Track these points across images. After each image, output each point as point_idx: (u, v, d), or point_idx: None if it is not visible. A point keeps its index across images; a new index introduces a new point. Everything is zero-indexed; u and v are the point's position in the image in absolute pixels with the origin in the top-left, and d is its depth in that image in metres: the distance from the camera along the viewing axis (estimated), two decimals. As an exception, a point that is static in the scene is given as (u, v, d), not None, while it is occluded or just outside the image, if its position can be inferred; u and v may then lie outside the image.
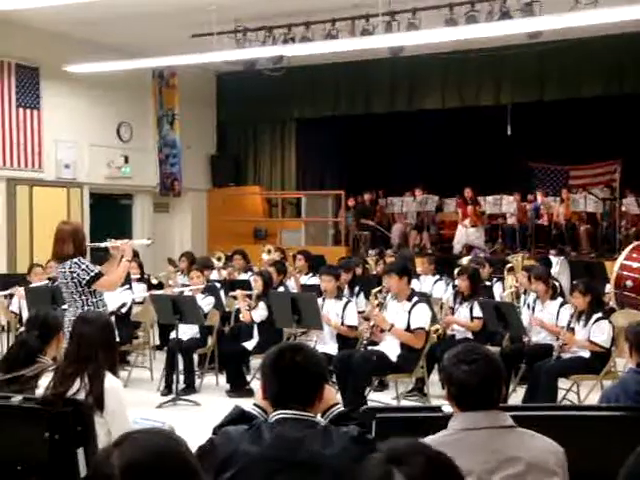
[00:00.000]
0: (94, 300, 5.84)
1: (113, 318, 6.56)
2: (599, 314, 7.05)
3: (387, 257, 12.68)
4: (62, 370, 3.85)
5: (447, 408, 2.85)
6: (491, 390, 2.65)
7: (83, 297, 5.80)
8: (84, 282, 5.76)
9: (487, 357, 2.70)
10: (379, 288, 7.79)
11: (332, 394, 3.03)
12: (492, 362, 2.70)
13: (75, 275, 5.76)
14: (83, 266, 5.79)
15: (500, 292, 9.60)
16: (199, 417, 6.91)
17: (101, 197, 14.56)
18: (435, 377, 7.59)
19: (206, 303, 8.47)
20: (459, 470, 1.71)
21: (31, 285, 9.08)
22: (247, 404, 3.00)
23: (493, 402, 2.65)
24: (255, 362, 8.28)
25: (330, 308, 7.71)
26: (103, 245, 6.28)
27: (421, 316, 7.10)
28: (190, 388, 8.15)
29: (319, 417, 2.81)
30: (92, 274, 5.79)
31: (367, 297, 8.69)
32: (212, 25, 11.63)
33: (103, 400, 3.76)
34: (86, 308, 5.75)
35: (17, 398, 3.50)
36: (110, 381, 3.85)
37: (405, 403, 7.45)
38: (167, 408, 7.58)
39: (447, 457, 1.71)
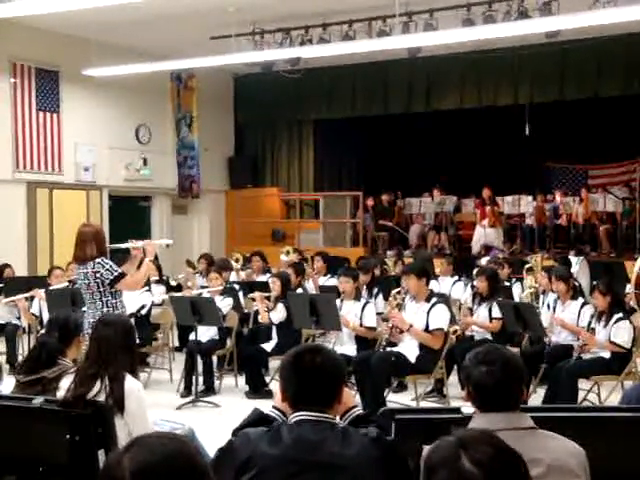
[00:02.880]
0: (114, 302, 5.88)
1: (133, 320, 6.59)
2: (619, 314, 6.99)
3: (405, 258, 12.66)
4: (82, 372, 3.87)
5: (466, 409, 2.84)
6: (509, 391, 2.64)
7: (104, 298, 5.83)
8: (107, 282, 5.80)
9: (506, 358, 2.69)
10: (398, 289, 7.78)
11: (350, 396, 3.03)
12: (511, 363, 2.68)
13: (99, 275, 5.80)
14: (107, 266, 5.83)
15: (519, 292, 9.58)
16: (218, 419, 6.93)
17: (120, 199, 14.63)
18: (454, 378, 7.59)
19: (225, 304, 8.49)
20: (526, 467, 1.77)
21: (51, 287, 9.14)
22: (266, 405, 3.01)
23: (512, 403, 2.64)
24: (274, 363, 8.29)
25: (349, 309, 7.70)
26: (124, 246, 6.31)
27: (440, 317, 7.08)
28: (209, 390, 8.18)
29: (338, 419, 2.81)
30: (116, 274, 5.83)
31: (386, 298, 8.67)
32: (230, 27, 11.68)
33: (123, 402, 3.78)
34: (105, 310, 5.78)
35: (38, 400, 3.53)
36: (130, 383, 3.87)
37: (424, 404, 7.43)
38: (187, 410, 7.60)
39: (516, 452, 1.78)
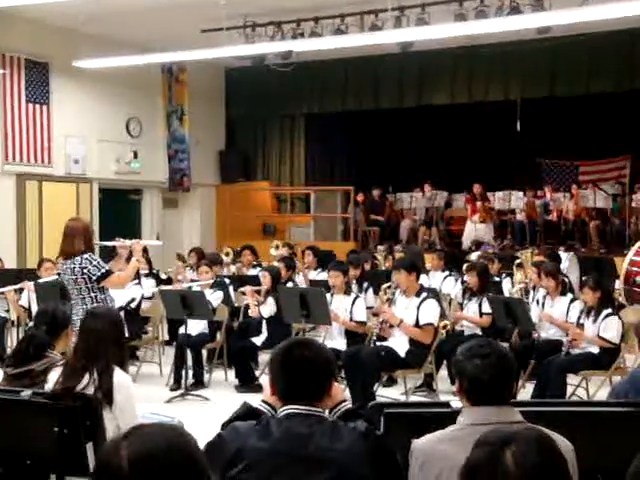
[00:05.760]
0: (102, 296, 5.86)
1: (122, 313, 6.57)
2: (609, 310, 7.03)
3: (396, 253, 12.66)
4: (71, 365, 3.86)
5: (455, 404, 2.85)
6: (502, 385, 2.65)
7: (92, 293, 5.82)
8: (94, 278, 5.78)
9: (500, 352, 2.71)
10: (388, 284, 7.78)
11: (340, 391, 3.02)
12: (505, 358, 2.70)
13: (86, 271, 5.77)
14: (94, 262, 5.81)
15: (509, 288, 9.59)
16: (208, 412, 6.93)
17: (110, 192, 14.56)
18: (444, 373, 7.61)
19: (215, 298, 8.48)
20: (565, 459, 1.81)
21: (40, 280, 9.10)
22: (256, 399, 3.00)
23: (504, 397, 2.65)
24: (264, 357, 8.30)
25: (339, 303, 7.71)
26: (111, 244, 6.28)
27: (430, 312, 7.09)
28: (199, 383, 8.17)
29: (327, 413, 2.81)
30: (103, 271, 5.81)
31: (376, 293, 8.68)
32: (221, 20, 11.63)
33: (112, 395, 3.77)
34: (94, 304, 5.76)
35: (27, 392, 3.52)
36: (119, 376, 3.86)
37: (414, 399, 7.44)
38: (176, 403, 7.60)
39: (555, 443, 1.82)
